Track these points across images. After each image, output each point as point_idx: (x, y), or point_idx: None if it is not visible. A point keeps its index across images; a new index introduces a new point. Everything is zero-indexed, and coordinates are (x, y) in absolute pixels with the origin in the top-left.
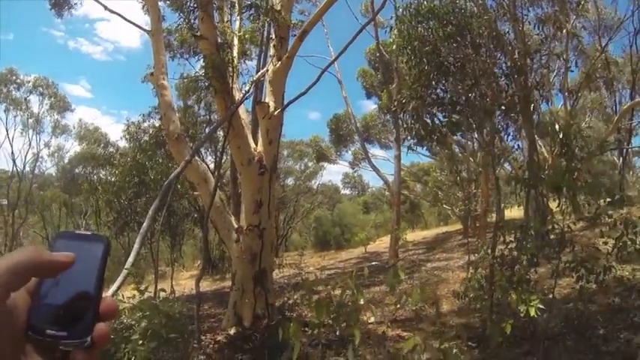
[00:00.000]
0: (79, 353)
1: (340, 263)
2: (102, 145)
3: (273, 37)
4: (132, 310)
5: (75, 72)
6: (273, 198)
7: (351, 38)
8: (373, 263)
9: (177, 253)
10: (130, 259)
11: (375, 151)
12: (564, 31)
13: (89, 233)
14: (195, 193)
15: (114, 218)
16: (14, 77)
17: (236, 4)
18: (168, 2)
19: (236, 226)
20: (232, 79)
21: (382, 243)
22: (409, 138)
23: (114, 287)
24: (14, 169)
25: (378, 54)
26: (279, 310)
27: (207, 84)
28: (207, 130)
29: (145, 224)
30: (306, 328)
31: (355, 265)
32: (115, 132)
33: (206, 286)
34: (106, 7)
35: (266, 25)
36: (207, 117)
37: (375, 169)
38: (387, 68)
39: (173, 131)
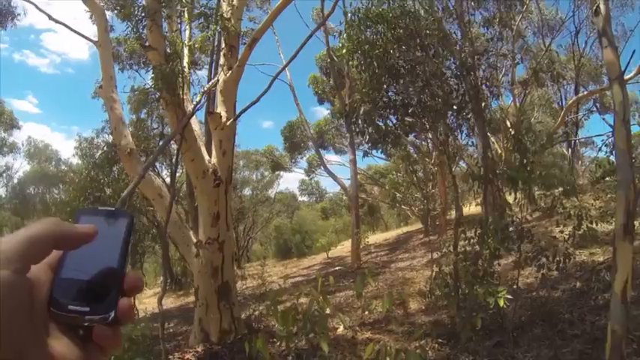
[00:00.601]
0: (102, 328)
1: (304, 270)
2: (53, 163)
3: (224, 45)
4: None
5: (21, 86)
6: (231, 209)
7: (301, 44)
8: (337, 268)
9: (138, 272)
10: None
11: (330, 156)
12: (510, 30)
13: (112, 209)
14: (150, 208)
15: None
16: None
17: (185, 13)
18: (115, 12)
19: (195, 240)
20: (183, 90)
21: (344, 247)
22: (364, 142)
23: None
24: None
25: (328, 59)
26: (246, 323)
27: (157, 96)
28: (160, 143)
29: None
30: (274, 340)
31: (319, 271)
32: (67, 149)
33: (170, 302)
34: (50, 17)
35: (216, 33)
36: (160, 130)
37: (331, 174)
38: (338, 73)
39: (125, 146)
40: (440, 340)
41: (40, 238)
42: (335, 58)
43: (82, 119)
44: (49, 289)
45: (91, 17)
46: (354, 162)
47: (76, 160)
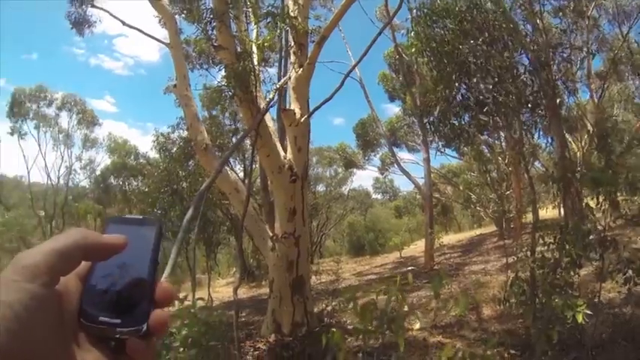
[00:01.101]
0: (135, 342)
1: (376, 269)
2: (132, 156)
3: (292, 43)
4: (172, 318)
5: (98, 87)
6: (307, 205)
7: (370, 43)
8: (409, 268)
9: (212, 262)
10: (168, 269)
11: (403, 154)
12: (585, 19)
13: (141, 217)
14: (225, 202)
15: None
16: (43, 94)
17: (251, 14)
18: (183, 15)
19: (270, 234)
20: (256, 88)
21: (417, 247)
22: (436, 140)
23: None
24: (49, 182)
25: (397, 57)
26: (318, 317)
27: (231, 93)
28: (234, 139)
29: (179, 234)
30: (346, 336)
31: (391, 270)
32: (143, 144)
33: (242, 293)
34: (124, 23)
35: (283, 32)
36: (233, 126)
37: (404, 172)
38: (408, 70)
39: (201, 141)
40: (513, 352)
41: (69, 249)
42: (403, 55)
43: (156, 116)
44: (79, 299)
45: (160, 21)
46: (427, 160)
47: (153, 154)
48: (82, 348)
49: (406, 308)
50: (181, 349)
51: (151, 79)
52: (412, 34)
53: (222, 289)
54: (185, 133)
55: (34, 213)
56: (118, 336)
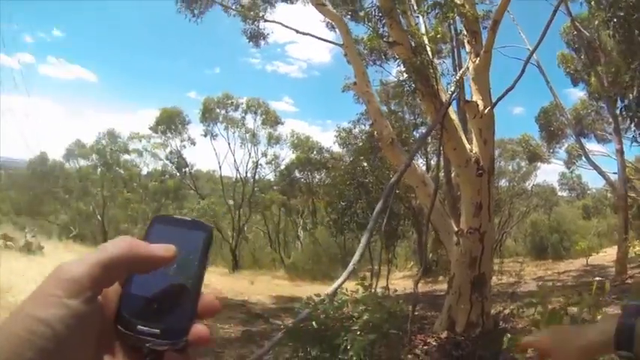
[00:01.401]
0: (173, 356)
1: (559, 275)
2: (314, 151)
3: (465, 32)
4: (355, 303)
5: (277, 91)
6: (493, 200)
7: (547, 23)
8: (597, 278)
9: (391, 254)
10: (356, 257)
11: (592, 145)
12: None
13: (189, 219)
14: (411, 195)
15: (335, 219)
16: (230, 100)
17: (415, 6)
18: (349, 16)
19: (455, 228)
20: (436, 81)
21: (606, 255)
22: (632, 128)
23: (339, 281)
24: (237, 175)
25: (574, 32)
26: (494, 319)
27: (412, 88)
28: (415, 133)
29: (369, 224)
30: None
31: (575, 279)
32: (324, 140)
33: (419, 287)
34: (297, 31)
35: (452, 21)
36: (414, 120)
37: (594, 166)
38: (589, 47)
39: (387, 136)
40: None
41: (114, 262)
42: (582, 30)
43: (334, 113)
44: (117, 306)
45: (327, 25)
46: (620, 152)
47: (336, 148)
48: (116, 357)
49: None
50: (358, 333)
51: (325, 79)
52: (592, 2)
53: (398, 282)
54: (367, 128)
55: (224, 202)
56: (155, 347)
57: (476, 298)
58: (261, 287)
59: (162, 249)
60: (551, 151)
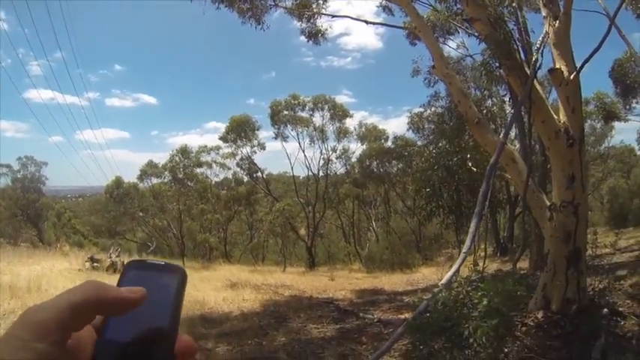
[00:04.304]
0: None
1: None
2: (382, 140)
3: None
4: (475, 290)
5: (334, 85)
6: (585, 170)
7: None
8: None
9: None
10: (467, 243)
11: None
12: None
13: (162, 263)
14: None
15: (422, 205)
16: (296, 101)
17: None
18: None
19: (548, 203)
20: (519, 54)
21: None
22: None
23: (454, 268)
24: (309, 173)
25: None
26: (591, 295)
27: (497, 65)
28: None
29: (477, 209)
30: (618, 318)
31: None
32: (389, 127)
33: (495, 268)
34: (367, 22)
35: None
36: (480, 95)
37: None
38: None
39: (472, 116)
40: None
41: (81, 305)
42: None
43: (394, 99)
44: (92, 353)
45: (383, 10)
46: None
47: (409, 134)
48: None
49: None
50: (479, 319)
51: (380, 66)
52: None
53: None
54: (440, 110)
55: (298, 201)
56: None
57: (571, 274)
58: (341, 282)
59: (130, 291)
60: (628, 107)
